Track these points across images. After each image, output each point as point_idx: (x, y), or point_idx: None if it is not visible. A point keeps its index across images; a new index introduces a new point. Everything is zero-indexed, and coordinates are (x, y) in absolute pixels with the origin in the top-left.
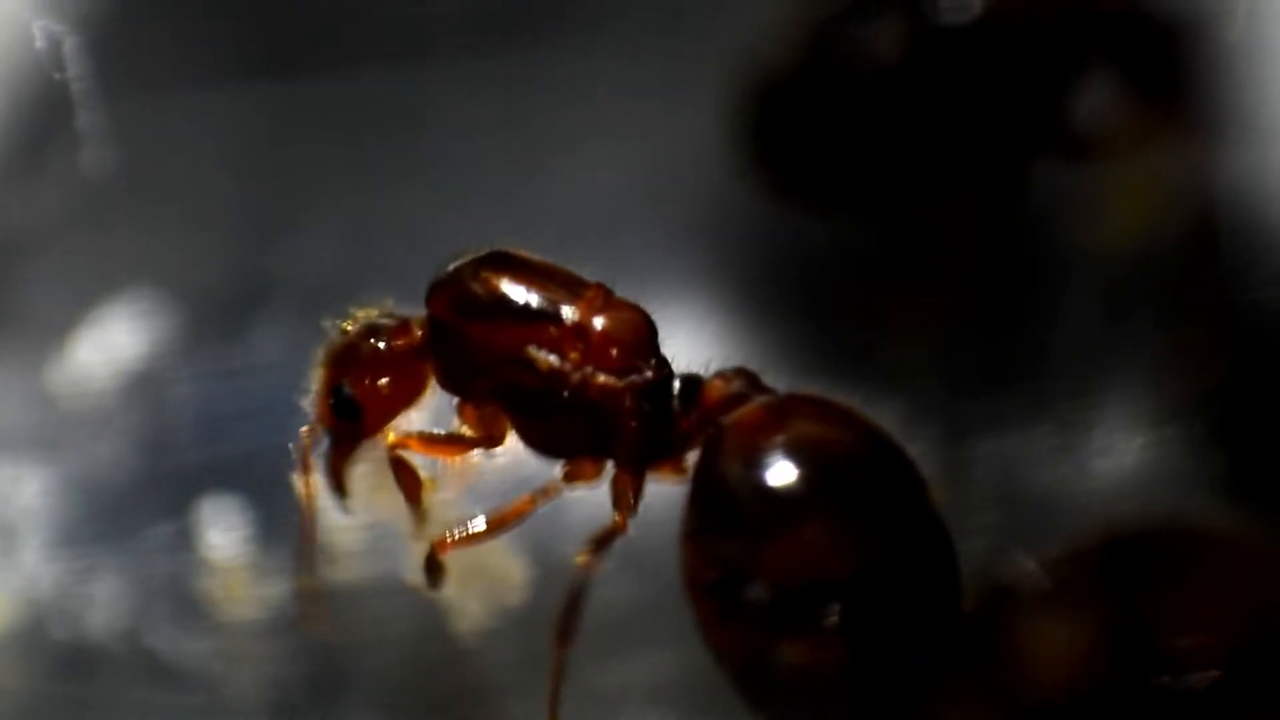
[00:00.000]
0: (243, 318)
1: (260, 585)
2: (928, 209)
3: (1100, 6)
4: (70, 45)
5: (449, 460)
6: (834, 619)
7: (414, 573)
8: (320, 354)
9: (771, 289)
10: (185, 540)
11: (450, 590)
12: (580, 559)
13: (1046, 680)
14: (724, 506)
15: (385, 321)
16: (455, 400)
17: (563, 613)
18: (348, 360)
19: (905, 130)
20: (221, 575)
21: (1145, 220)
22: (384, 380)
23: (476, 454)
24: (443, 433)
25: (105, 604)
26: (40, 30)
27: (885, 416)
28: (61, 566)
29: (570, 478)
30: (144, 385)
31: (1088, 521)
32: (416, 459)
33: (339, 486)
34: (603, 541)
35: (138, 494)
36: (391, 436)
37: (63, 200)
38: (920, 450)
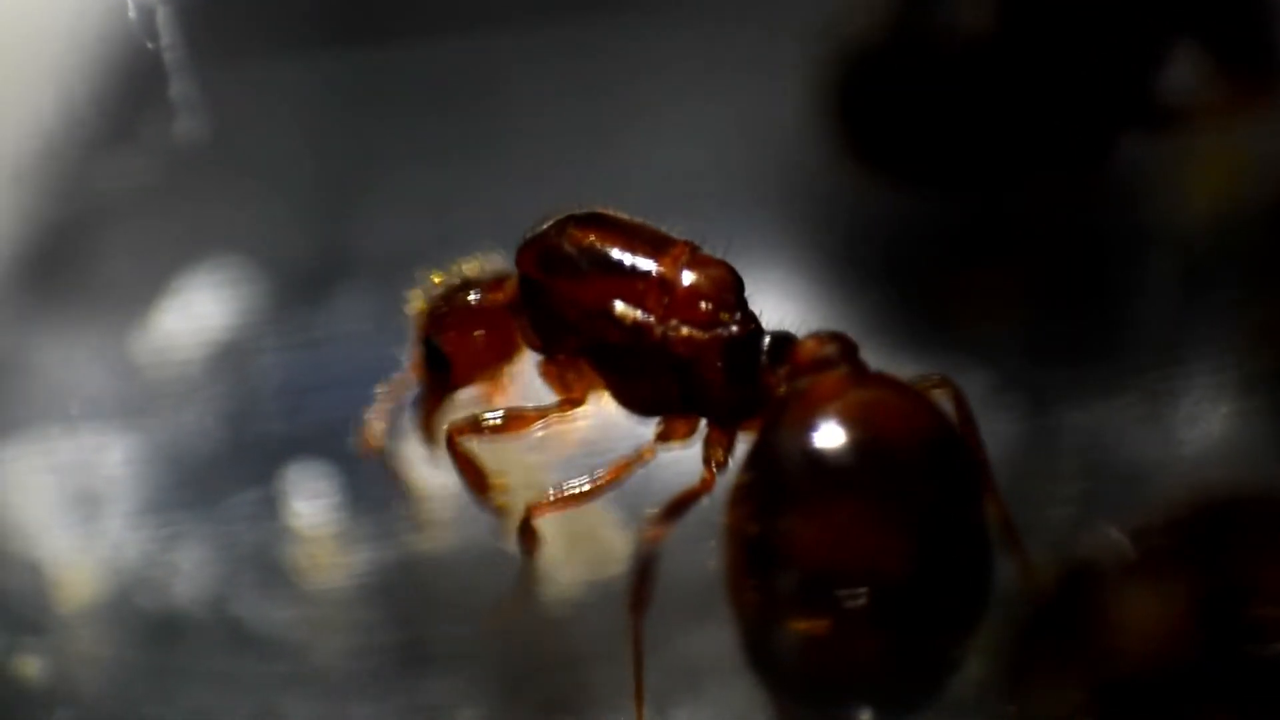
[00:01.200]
0: (325, 287)
1: (345, 553)
2: (1013, 182)
3: None
4: (162, 14)
5: (520, 433)
6: (847, 602)
7: (503, 540)
8: (416, 305)
9: (856, 262)
10: (270, 508)
11: (547, 558)
12: (647, 530)
13: (1135, 650)
14: (773, 466)
15: (479, 276)
16: (538, 359)
17: (634, 582)
18: (440, 312)
19: (991, 103)
20: (306, 543)
21: (1230, 192)
22: (473, 333)
23: (549, 421)
24: (500, 414)
25: (190, 572)
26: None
27: (971, 387)
28: (147, 535)
29: (663, 437)
30: (228, 354)
31: (1174, 491)
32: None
33: (428, 435)
34: (679, 505)
35: (222, 462)
36: (447, 426)
37: (148, 169)
38: (1006, 419)
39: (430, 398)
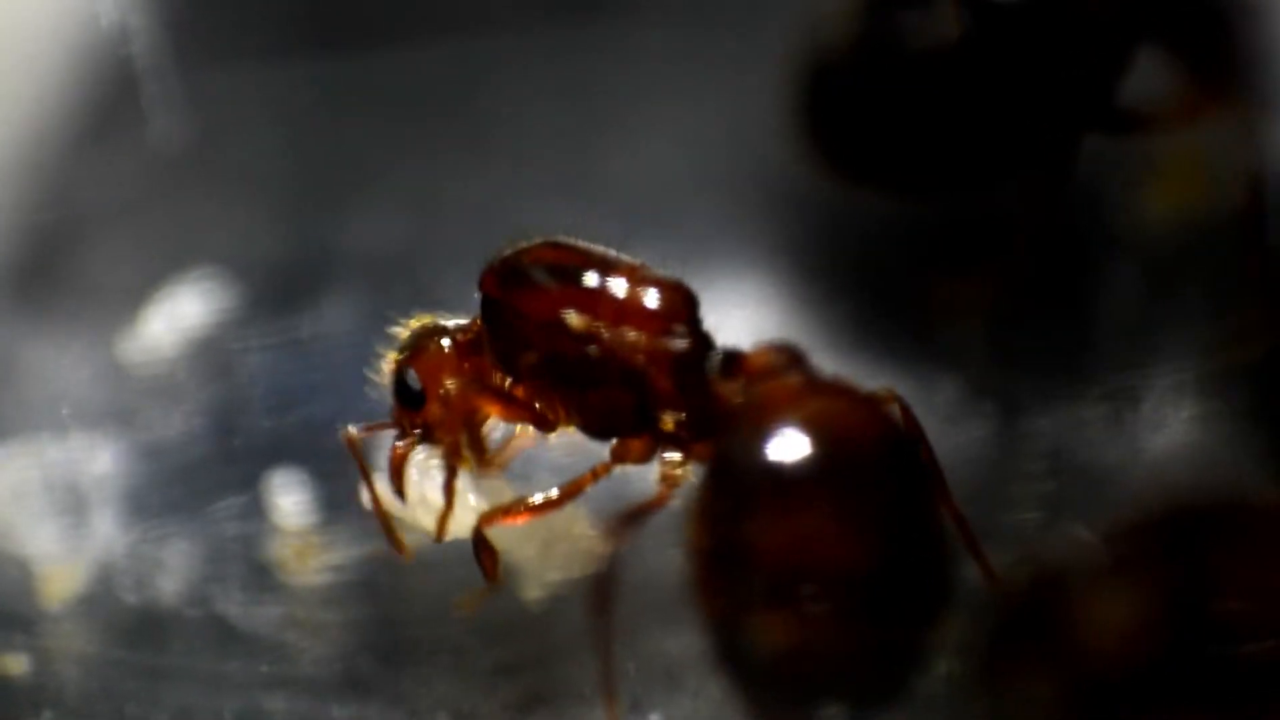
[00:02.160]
0: (310, 291)
1: (330, 553)
2: (981, 187)
3: None
4: (135, 21)
5: (503, 421)
6: (809, 603)
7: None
8: (388, 346)
9: (826, 268)
10: (255, 509)
11: (519, 557)
12: (605, 539)
13: (1104, 649)
14: (729, 475)
15: (449, 320)
16: (510, 385)
17: (595, 586)
18: (412, 349)
19: (958, 109)
20: (291, 544)
21: (1194, 196)
22: (445, 366)
23: (529, 433)
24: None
25: (176, 572)
26: (106, 6)
27: (940, 392)
28: (133, 535)
29: (618, 456)
30: (214, 357)
31: (1140, 493)
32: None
33: (398, 477)
34: (635, 516)
35: (208, 464)
36: (446, 391)
37: (132, 174)
38: (975, 424)
39: (407, 440)
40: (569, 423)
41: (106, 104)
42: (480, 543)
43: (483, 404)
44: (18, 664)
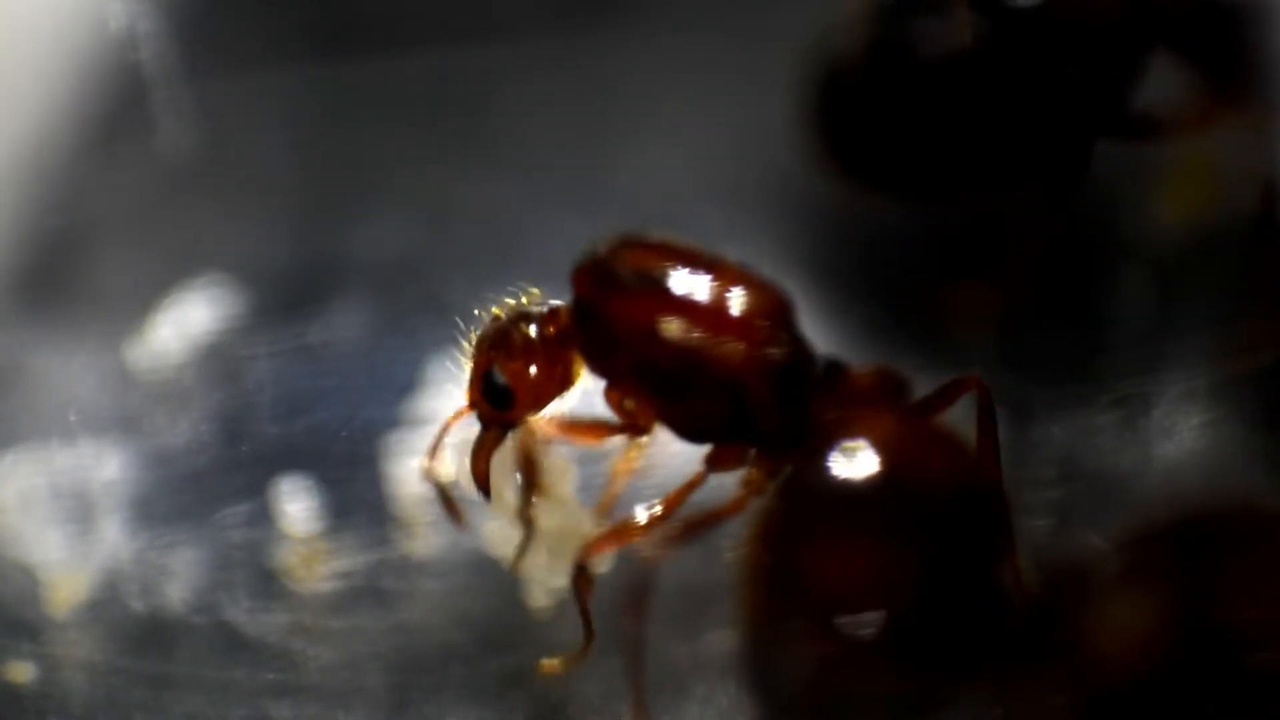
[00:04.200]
0: (318, 297)
1: (337, 561)
2: (992, 193)
3: None
4: (144, 27)
5: (592, 444)
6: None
7: (492, 547)
8: (471, 340)
9: (838, 273)
10: (263, 516)
11: (527, 565)
12: (658, 545)
13: (1116, 658)
14: (800, 495)
15: (535, 308)
16: (603, 387)
17: (632, 591)
18: (498, 346)
19: (972, 115)
20: (299, 551)
21: (1205, 203)
22: (534, 365)
23: (621, 441)
24: (584, 418)
25: (183, 579)
26: (115, 13)
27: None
28: (141, 542)
29: (712, 463)
30: (222, 363)
31: (1151, 499)
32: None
33: (482, 475)
34: (702, 525)
35: (216, 471)
36: (533, 421)
37: (140, 181)
38: None
39: (490, 434)
40: (662, 426)
41: (114, 110)
42: (581, 575)
43: (577, 424)
44: (24, 672)
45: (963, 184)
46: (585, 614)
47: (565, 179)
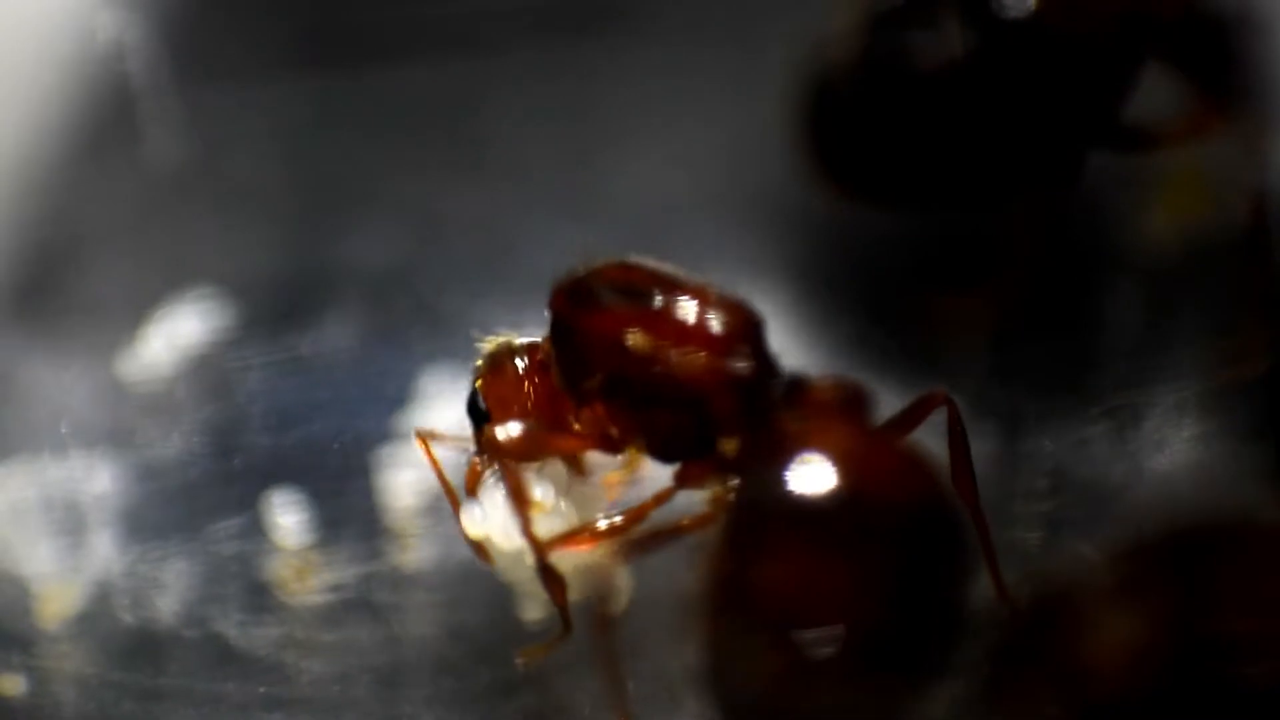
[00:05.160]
0: (310, 309)
1: (329, 573)
2: (983, 205)
3: (1155, 3)
4: (132, 38)
5: (568, 460)
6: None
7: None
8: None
9: (828, 284)
10: (255, 529)
11: (518, 577)
12: (617, 553)
13: (1108, 671)
14: (752, 508)
15: (519, 341)
16: (579, 409)
17: (597, 604)
18: (484, 371)
19: (963, 126)
20: (290, 564)
21: (1197, 214)
22: (515, 391)
23: (597, 459)
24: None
25: (175, 592)
26: (104, 23)
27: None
28: (132, 555)
29: (682, 480)
30: (213, 376)
31: (1143, 511)
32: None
33: (471, 494)
34: (667, 536)
35: (207, 483)
36: (498, 433)
37: (131, 192)
38: (976, 443)
39: (480, 456)
40: (633, 445)
41: (104, 122)
42: (546, 571)
43: (546, 436)
44: (14, 685)
45: (954, 195)
46: (561, 609)
47: (556, 189)
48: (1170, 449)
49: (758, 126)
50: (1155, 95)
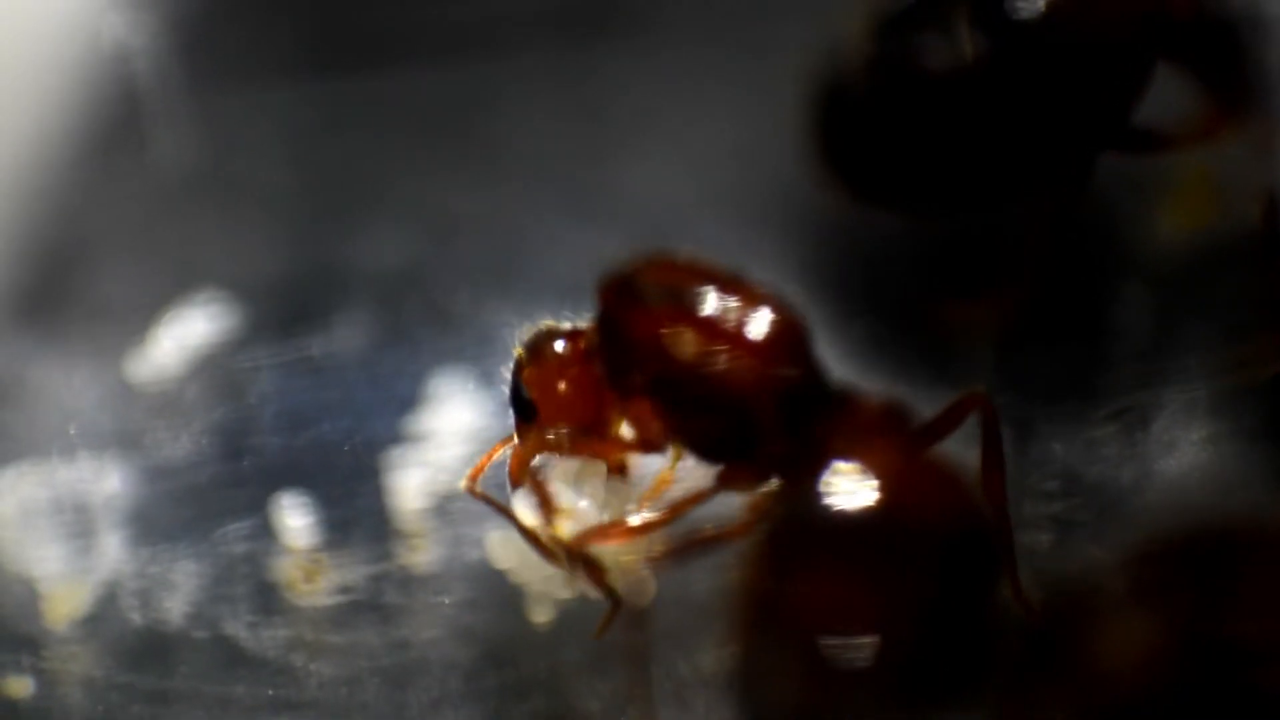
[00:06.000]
0: (319, 311)
1: (338, 575)
2: (994, 208)
3: (1167, 5)
4: (139, 41)
5: (609, 460)
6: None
7: (495, 559)
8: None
9: (838, 288)
10: (264, 531)
11: (528, 579)
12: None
13: (1120, 671)
14: (792, 521)
15: (563, 327)
16: (623, 402)
17: (632, 604)
18: (526, 361)
19: (974, 129)
20: (299, 566)
21: (1208, 217)
22: (559, 380)
23: (638, 460)
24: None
25: (183, 594)
26: (112, 26)
27: None
28: (141, 556)
29: (723, 482)
30: (222, 377)
31: (1153, 514)
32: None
33: (515, 483)
34: (704, 545)
35: (217, 485)
36: (548, 434)
37: (141, 195)
38: None
39: (523, 445)
40: (674, 444)
41: (113, 124)
42: (582, 562)
43: (589, 440)
44: (22, 686)
45: (965, 198)
46: (603, 588)
47: (567, 191)
48: (1180, 451)
49: (769, 129)
50: (1166, 98)
